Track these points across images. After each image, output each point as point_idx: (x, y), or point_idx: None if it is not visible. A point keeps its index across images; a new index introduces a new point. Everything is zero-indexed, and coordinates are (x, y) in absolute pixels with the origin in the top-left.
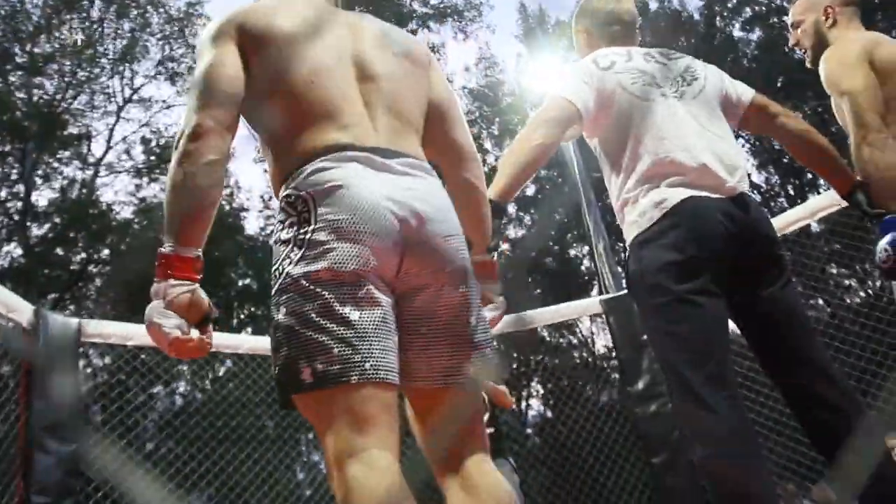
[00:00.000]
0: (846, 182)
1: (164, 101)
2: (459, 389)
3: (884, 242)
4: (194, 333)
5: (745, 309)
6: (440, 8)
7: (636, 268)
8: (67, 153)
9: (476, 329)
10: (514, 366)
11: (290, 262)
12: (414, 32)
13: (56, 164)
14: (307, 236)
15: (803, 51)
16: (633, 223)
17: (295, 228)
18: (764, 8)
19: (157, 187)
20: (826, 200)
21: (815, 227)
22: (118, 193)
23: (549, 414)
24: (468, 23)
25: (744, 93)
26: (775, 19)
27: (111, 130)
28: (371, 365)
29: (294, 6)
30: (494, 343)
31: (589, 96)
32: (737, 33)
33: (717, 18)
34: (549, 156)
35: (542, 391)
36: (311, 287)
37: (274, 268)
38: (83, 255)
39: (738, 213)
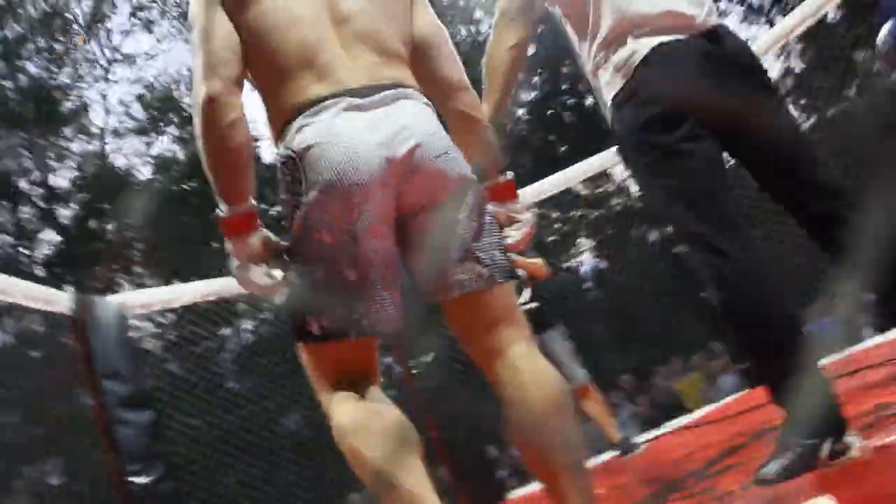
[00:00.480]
0: None
1: (146, 53)
2: (478, 291)
3: (884, 32)
4: (277, 273)
5: (739, 143)
6: None
7: (619, 129)
8: (69, 129)
9: (481, 234)
10: (558, 226)
11: (295, 223)
12: None
13: (63, 143)
14: (302, 197)
15: None
16: (607, 84)
17: (292, 188)
18: None
19: (167, 140)
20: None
21: (832, 17)
22: (129, 157)
23: (603, 265)
24: None
25: None
26: None
27: (104, 96)
28: (369, 321)
29: None
30: (502, 244)
31: None
32: None
33: None
34: (526, 51)
35: (592, 244)
36: (315, 248)
37: (285, 222)
38: (116, 223)
39: (712, 48)
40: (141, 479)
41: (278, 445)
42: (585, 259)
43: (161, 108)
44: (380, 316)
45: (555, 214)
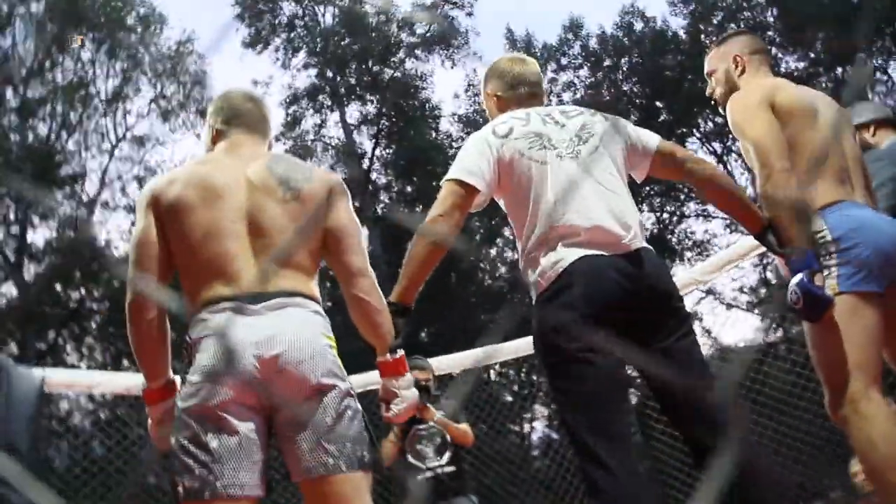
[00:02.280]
0: (756, 222)
1: (157, 139)
2: (323, 478)
3: (793, 283)
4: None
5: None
6: (427, 37)
7: (536, 327)
8: (62, 193)
9: (335, 428)
10: (516, 388)
11: (180, 397)
12: (402, 62)
13: (52, 204)
14: (188, 376)
15: (716, 100)
16: (533, 283)
17: (185, 369)
18: (750, 23)
19: None
20: (751, 243)
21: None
22: (111, 233)
23: (554, 436)
24: (455, 50)
25: (648, 141)
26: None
27: (104, 169)
28: (221, 484)
29: (204, 171)
30: (363, 433)
31: (486, 168)
32: None
33: (702, 35)
34: (448, 246)
35: (546, 413)
36: (186, 419)
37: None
38: (81, 291)
39: (632, 269)
40: None
41: None
42: (538, 427)
43: None
44: (232, 480)
45: (515, 376)
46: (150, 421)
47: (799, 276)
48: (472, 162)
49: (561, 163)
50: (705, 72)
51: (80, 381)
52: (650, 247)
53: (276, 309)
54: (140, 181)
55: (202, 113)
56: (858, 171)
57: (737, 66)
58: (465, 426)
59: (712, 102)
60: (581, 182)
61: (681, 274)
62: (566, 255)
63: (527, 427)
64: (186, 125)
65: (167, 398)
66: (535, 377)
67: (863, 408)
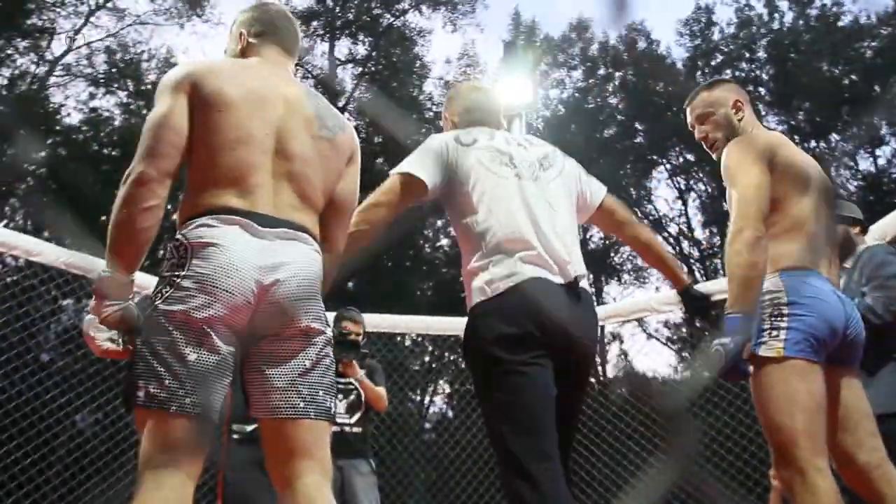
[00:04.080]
0: (680, 282)
1: (137, 17)
2: (288, 420)
3: (721, 340)
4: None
5: (560, 386)
6: None
7: (471, 335)
8: (25, 43)
9: (310, 373)
10: (428, 360)
11: (160, 298)
12: (405, 12)
13: (11, 52)
14: (177, 280)
15: (711, 143)
16: (478, 290)
17: (172, 269)
18: (743, 74)
19: (113, 100)
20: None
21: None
22: (69, 98)
23: (450, 414)
24: (460, 16)
25: (595, 193)
26: (751, 87)
27: (76, 31)
28: (191, 401)
29: (246, 74)
30: (334, 384)
31: (438, 171)
32: None
33: (699, 73)
34: (374, 236)
35: (447, 390)
36: (166, 324)
37: (152, 294)
38: (19, 151)
39: (574, 304)
40: None
41: None
42: (438, 401)
43: (123, 69)
44: (202, 400)
45: (431, 349)
46: (91, 315)
47: (729, 338)
48: (427, 161)
49: (520, 182)
50: (695, 115)
51: (21, 244)
52: (588, 287)
53: (284, 239)
54: (111, 53)
55: (192, 3)
56: (830, 245)
57: (738, 111)
58: (381, 390)
59: (706, 147)
60: (539, 203)
61: (639, 296)
62: (522, 271)
63: (427, 399)
64: (171, 12)
65: (128, 297)
66: (447, 354)
67: (811, 479)
